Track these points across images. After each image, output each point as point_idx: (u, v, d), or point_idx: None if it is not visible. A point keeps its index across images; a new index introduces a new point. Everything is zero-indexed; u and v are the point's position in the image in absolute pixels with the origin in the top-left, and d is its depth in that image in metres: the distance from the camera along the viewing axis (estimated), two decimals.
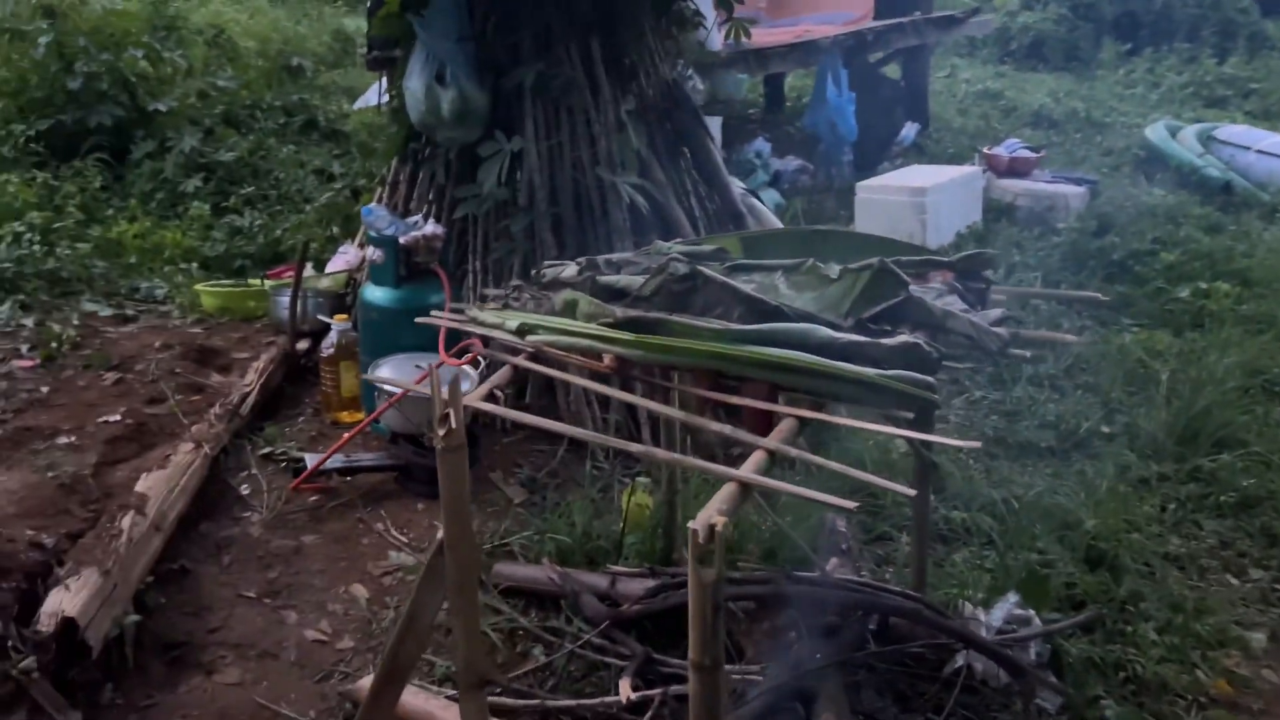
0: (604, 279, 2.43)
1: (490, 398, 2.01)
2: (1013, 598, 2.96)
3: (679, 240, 2.98)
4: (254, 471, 3.74)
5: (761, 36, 7.84)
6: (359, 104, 8.02)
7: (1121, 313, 5.40)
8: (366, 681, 2.62)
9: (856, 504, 1.61)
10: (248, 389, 4.09)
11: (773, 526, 3.32)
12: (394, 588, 3.23)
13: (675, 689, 2.50)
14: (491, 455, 3.96)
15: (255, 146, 6.86)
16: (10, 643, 2.52)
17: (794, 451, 1.76)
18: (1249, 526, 3.64)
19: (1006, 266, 5.92)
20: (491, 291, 2.57)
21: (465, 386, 3.28)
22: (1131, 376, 4.63)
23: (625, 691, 2.32)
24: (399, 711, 2.54)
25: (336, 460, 3.70)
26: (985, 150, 7.74)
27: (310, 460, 3.67)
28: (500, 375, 2.15)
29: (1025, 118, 10.09)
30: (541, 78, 4.22)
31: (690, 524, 1.56)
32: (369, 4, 5.95)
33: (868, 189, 6.73)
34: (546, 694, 2.78)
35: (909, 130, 8.78)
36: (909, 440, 1.93)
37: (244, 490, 3.64)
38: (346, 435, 3.70)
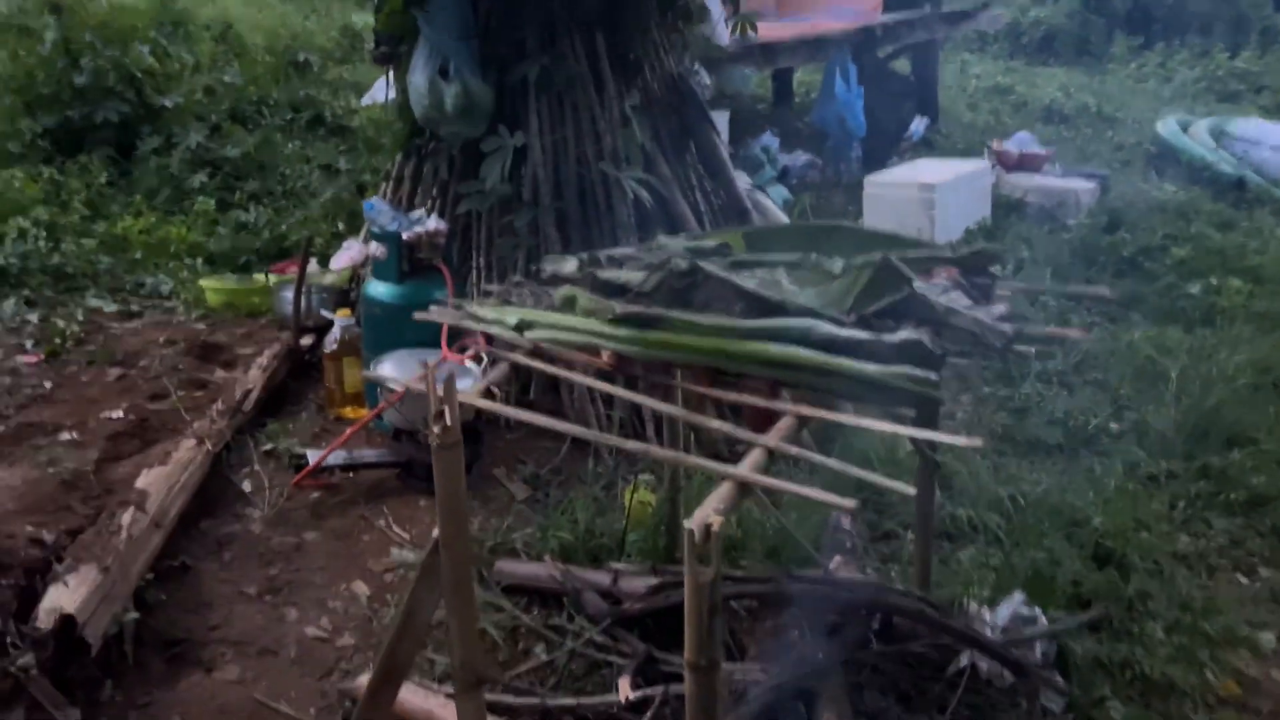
0: (604, 274, 2.40)
1: (487, 394, 1.99)
2: (1018, 596, 2.93)
3: (682, 235, 2.94)
4: (256, 468, 3.73)
5: (770, 31, 7.78)
6: (367, 99, 8.00)
7: (1131, 309, 5.36)
8: (366, 679, 2.61)
9: (855, 502, 1.58)
10: (251, 385, 4.07)
11: (776, 524, 3.29)
12: (395, 585, 3.21)
13: (676, 688, 2.48)
14: (495, 452, 3.94)
15: (261, 142, 6.85)
16: (9, 639, 2.51)
17: (793, 449, 1.73)
18: (1259, 525, 3.61)
19: (1016, 262, 5.88)
20: (491, 287, 2.55)
21: (468, 383, 3.26)
22: (1141, 373, 4.59)
23: (624, 691, 2.30)
24: (399, 710, 2.52)
25: (338, 456, 3.68)
26: (995, 145, 7.69)
27: (312, 457, 3.66)
28: (498, 372, 2.13)
29: (1036, 113, 10.03)
30: (545, 72, 4.20)
31: (686, 523, 1.53)
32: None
33: (876, 184, 6.69)
34: (547, 692, 2.76)
35: (918, 125, 8.73)
36: (911, 437, 1.90)
37: (246, 487, 3.63)
38: (348, 432, 3.69)
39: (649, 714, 2.52)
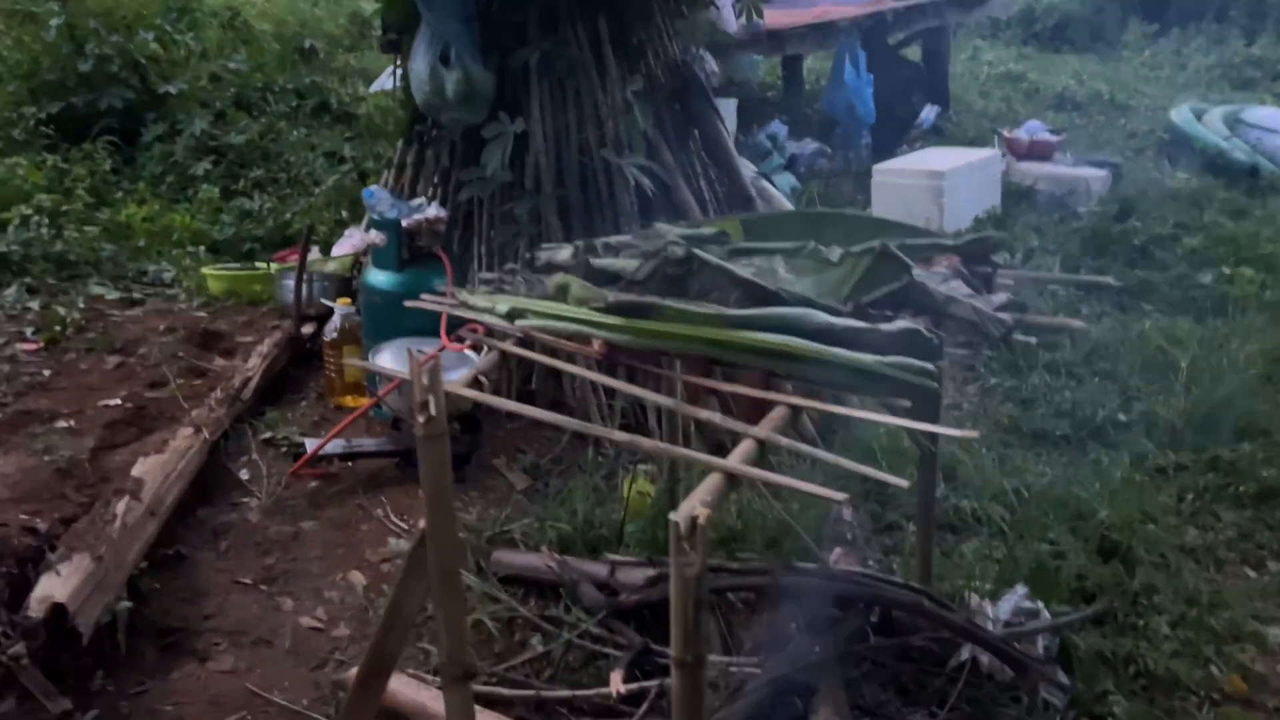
0: (598, 262, 2.36)
1: (475, 384, 1.95)
2: (1021, 589, 2.89)
3: (679, 223, 2.90)
4: (254, 456, 3.71)
5: (778, 18, 7.72)
6: (375, 87, 7.95)
7: (1142, 299, 5.30)
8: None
9: (845, 495, 1.54)
10: (250, 373, 4.05)
11: (776, 516, 3.25)
12: (392, 575, 3.18)
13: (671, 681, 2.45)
14: (495, 441, 3.91)
15: (266, 129, 6.82)
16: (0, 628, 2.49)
17: (784, 440, 1.69)
18: (1269, 518, 3.56)
19: (1025, 251, 5.83)
20: (485, 275, 2.51)
21: (463, 372, 3.23)
22: (1151, 364, 4.54)
23: (615, 685, 2.27)
24: (391, 701, 2.50)
25: (337, 445, 3.66)
26: (1005, 133, 7.62)
27: (311, 445, 3.63)
28: (487, 361, 2.10)
29: (1048, 100, 9.93)
30: (546, 57, 4.15)
31: (673, 515, 1.49)
32: None
33: (885, 172, 6.64)
34: (543, 684, 2.74)
35: (928, 113, 8.65)
36: (907, 429, 1.86)
37: (243, 475, 3.61)
38: (345, 420, 3.66)
39: (644, 707, 2.49)
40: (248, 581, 3.12)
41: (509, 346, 2.08)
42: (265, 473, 3.63)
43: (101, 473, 3.32)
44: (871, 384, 1.85)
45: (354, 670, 2.67)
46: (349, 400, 4.15)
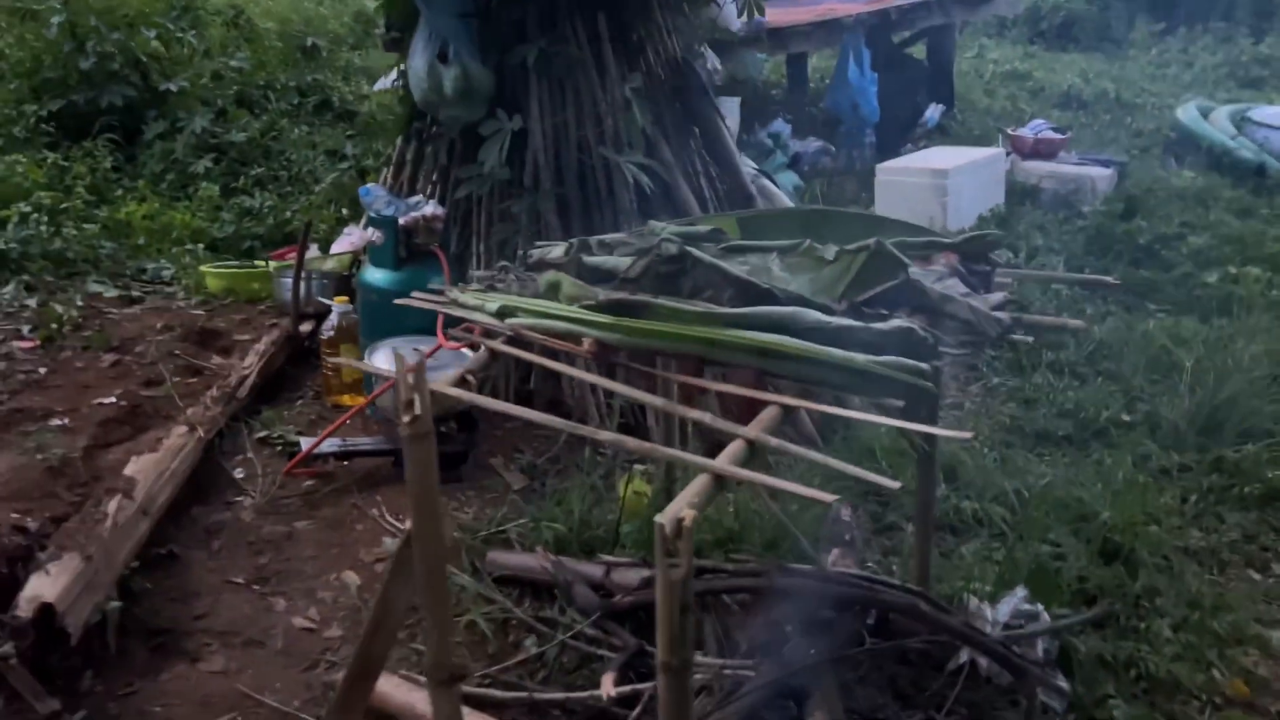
0: (590, 260, 2.33)
1: (462, 383, 1.92)
2: (1020, 592, 2.85)
3: (674, 220, 2.87)
4: (249, 455, 3.69)
5: (782, 15, 7.69)
6: (379, 85, 7.94)
7: (1147, 298, 5.26)
8: None
9: (836, 496, 1.51)
10: (247, 371, 4.03)
11: (774, 517, 3.22)
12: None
13: None
14: (492, 440, 3.89)
15: (268, 127, 6.81)
16: None
17: (774, 441, 1.66)
18: (1273, 520, 3.52)
19: (1029, 250, 5.79)
20: (477, 273, 2.49)
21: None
22: (1155, 364, 4.50)
23: (606, 688, 2.24)
24: (381, 703, 2.48)
25: (332, 444, 3.64)
26: (1009, 131, 7.58)
27: (306, 444, 3.61)
28: (476, 360, 2.07)
29: (1053, 98, 9.88)
30: (545, 54, 4.12)
31: (657, 518, 1.46)
32: None
33: (888, 171, 6.61)
34: (536, 686, 2.71)
35: (933, 112, 8.61)
36: (901, 429, 1.82)
37: (238, 474, 3.59)
38: (339, 419, 3.64)
39: (638, 709, 2.46)
40: (240, 581, 3.10)
41: (499, 345, 2.05)
42: (260, 472, 3.60)
43: (94, 471, 3.30)
44: (864, 383, 1.82)
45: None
46: (346, 399, 4.13)
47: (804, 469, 2.97)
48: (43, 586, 2.58)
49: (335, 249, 4.94)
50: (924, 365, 1.80)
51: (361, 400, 3.98)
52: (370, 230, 4.11)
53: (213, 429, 3.64)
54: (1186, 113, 8.14)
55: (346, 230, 5.09)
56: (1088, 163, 7.17)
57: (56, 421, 3.62)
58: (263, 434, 3.81)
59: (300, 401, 4.15)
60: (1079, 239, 5.91)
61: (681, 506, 1.50)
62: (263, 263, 5.19)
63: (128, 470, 3.16)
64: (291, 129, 6.89)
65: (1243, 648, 2.90)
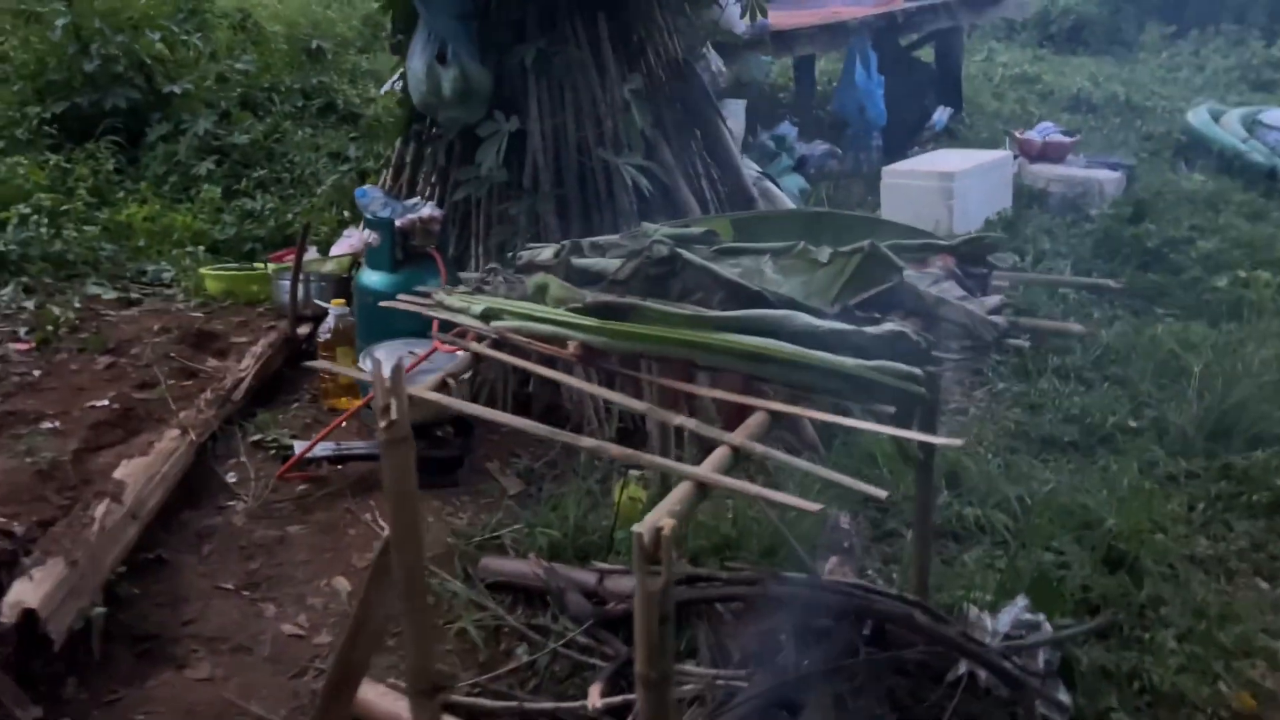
0: (579, 261, 2.29)
1: (443, 387, 1.88)
2: (1021, 601, 2.80)
3: (669, 222, 2.82)
4: (243, 459, 3.65)
5: (788, 18, 7.64)
6: (386, 88, 7.91)
7: (1155, 302, 5.19)
8: None
9: (821, 505, 1.46)
10: (242, 374, 3.99)
11: (772, 524, 3.17)
12: None
13: None
14: (489, 444, 3.85)
15: (271, 129, 6.78)
16: None
17: (759, 448, 1.61)
18: None
19: (1036, 253, 5.73)
20: (466, 275, 2.44)
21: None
22: (1163, 369, 4.44)
23: (593, 700, 2.19)
24: (364, 712, 2.43)
25: (326, 448, 3.60)
26: (1017, 134, 7.51)
27: (300, 448, 3.57)
28: (458, 364, 2.02)
29: (1063, 102, 9.80)
30: (543, 55, 4.08)
31: (635, 527, 1.42)
32: None
33: (894, 174, 6.55)
34: (527, 695, 2.67)
35: (941, 114, 8.54)
36: (892, 436, 1.77)
37: (231, 478, 3.55)
38: (333, 423, 3.60)
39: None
40: (229, 587, 3.06)
41: (481, 348, 2.01)
42: (253, 475, 3.57)
43: (84, 475, 3.26)
44: (854, 388, 1.76)
45: None
46: (343, 402, 4.09)
47: (803, 475, 2.92)
48: (25, 592, 2.55)
49: (335, 251, 4.91)
50: (916, 370, 1.75)
51: (357, 403, 3.94)
52: (368, 232, 4.08)
53: (205, 432, 3.61)
54: (1197, 116, 8.05)
55: (346, 232, 5.06)
56: (1096, 166, 7.10)
57: (48, 424, 3.59)
58: (257, 437, 3.77)
59: (296, 404, 4.11)
60: (1087, 243, 5.84)
61: (661, 515, 1.46)
62: (262, 265, 5.16)
63: (117, 474, 3.13)
64: (295, 131, 6.85)
65: (1250, 660, 2.84)
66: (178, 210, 5.88)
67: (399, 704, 2.44)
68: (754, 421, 1.71)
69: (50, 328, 4.39)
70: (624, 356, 2.00)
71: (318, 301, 4.46)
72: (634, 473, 3.38)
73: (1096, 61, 11.73)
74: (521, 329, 2.01)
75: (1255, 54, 11.35)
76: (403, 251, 3.98)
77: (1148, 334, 4.77)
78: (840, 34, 7.90)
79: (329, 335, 4.10)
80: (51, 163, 5.98)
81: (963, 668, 2.58)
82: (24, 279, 4.94)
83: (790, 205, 5.11)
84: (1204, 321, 4.92)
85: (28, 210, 5.35)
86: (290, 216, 5.84)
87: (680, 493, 1.52)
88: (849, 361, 1.74)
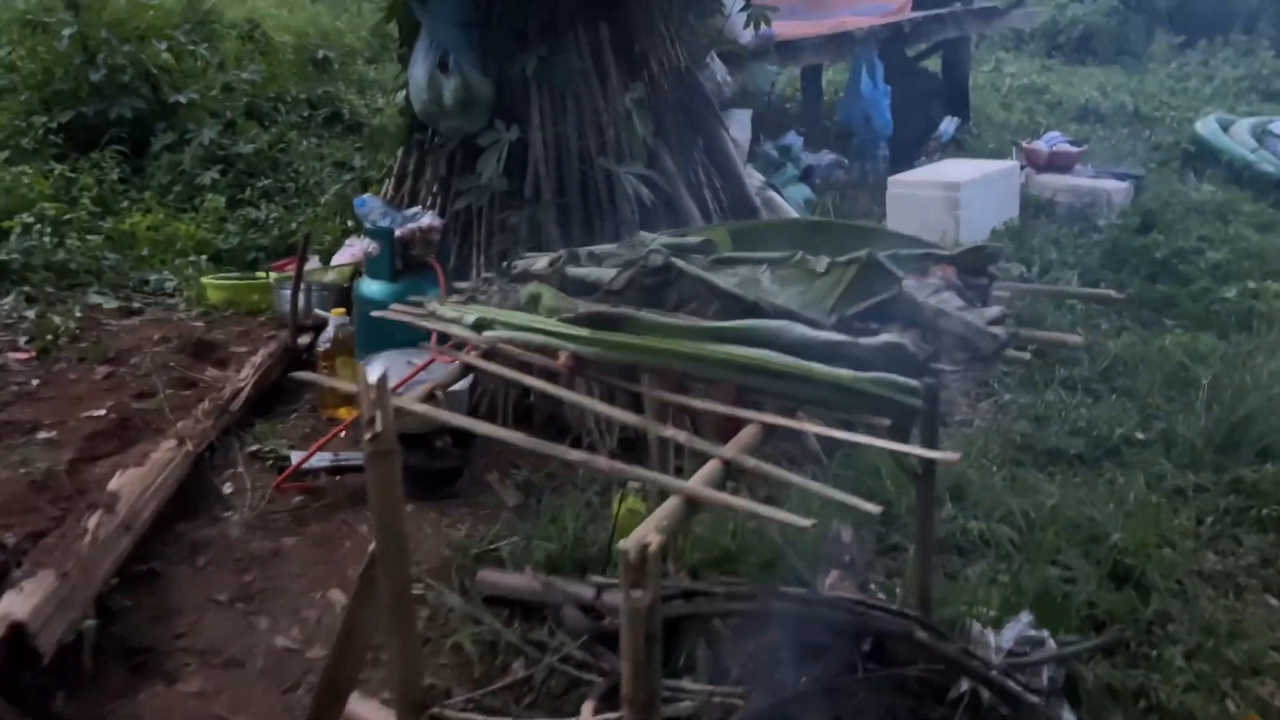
0: (574, 271, 2.26)
1: (430, 399, 1.85)
2: (1026, 617, 2.75)
3: (667, 231, 2.79)
4: (239, 469, 3.62)
5: (794, 28, 7.63)
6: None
7: (1163, 313, 5.14)
8: None
9: (810, 521, 1.42)
10: (241, 384, 3.97)
11: (772, 538, 3.12)
12: None
13: None
14: (489, 456, 3.81)
15: (276, 139, 6.78)
16: None
17: (751, 462, 1.58)
18: None
19: (1042, 264, 5.69)
20: (460, 284, 2.42)
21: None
22: (1171, 380, 4.38)
23: (586, 718, 2.15)
24: None
25: (324, 459, 3.57)
26: (1024, 144, 7.47)
27: (297, 458, 3.55)
28: (447, 374, 1.99)
29: (1070, 112, 9.77)
30: (545, 64, 4.06)
31: (620, 544, 1.38)
32: None
33: (900, 184, 6.51)
34: (521, 711, 2.63)
35: (948, 125, 8.52)
36: (890, 449, 1.74)
37: (227, 489, 3.52)
38: (328, 434, 3.57)
39: None
40: (223, 599, 3.02)
41: (473, 359, 1.98)
42: (249, 486, 3.54)
43: (78, 485, 3.24)
44: (848, 401, 1.73)
45: None
46: (343, 412, 4.06)
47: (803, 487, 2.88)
48: (14, 604, 2.52)
49: (336, 261, 4.90)
50: (912, 382, 1.71)
51: (356, 414, 3.91)
52: (368, 241, 4.06)
53: (202, 442, 3.58)
54: (1206, 126, 8.02)
55: (349, 242, 5.04)
56: (1104, 176, 7.06)
57: (44, 434, 3.57)
58: (255, 447, 3.74)
59: (295, 414, 4.09)
60: (1094, 253, 5.80)
61: (649, 531, 1.42)
62: (264, 274, 5.15)
63: (112, 485, 3.10)
64: (300, 141, 6.87)
65: (1259, 678, 2.79)
66: (182, 219, 5.89)
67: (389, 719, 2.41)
68: (746, 434, 1.68)
69: (50, 337, 4.38)
70: (620, 367, 1.97)
71: (319, 311, 4.44)
72: (633, 485, 3.33)
73: (1105, 71, 11.70)
74: (513, 339, 1.98)
75: (1264, 64, 11.32)
76: (402, 261, 3.96)
77: (1156, 345, 4.72)
78: (846, 44, 7.88)
79: (329, 345, 4.08)
80: (56, 172, 6.00)
81: (965, 685, 2.54)
82: (26, 288, 4.94)
83: (793, 215, 5.08)
84: (1213, 333, 4.87)
85: (31, 219, 5.36)
86: (294, 226, 5.84)
87: (669, 508, 1.49)
88: (843, 373, 1.71)
